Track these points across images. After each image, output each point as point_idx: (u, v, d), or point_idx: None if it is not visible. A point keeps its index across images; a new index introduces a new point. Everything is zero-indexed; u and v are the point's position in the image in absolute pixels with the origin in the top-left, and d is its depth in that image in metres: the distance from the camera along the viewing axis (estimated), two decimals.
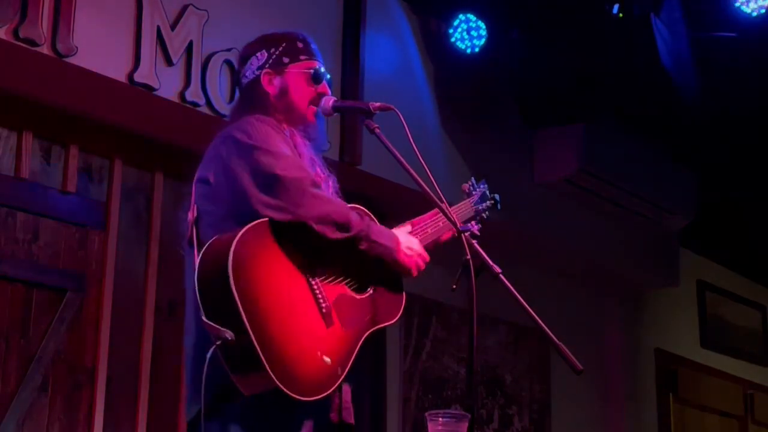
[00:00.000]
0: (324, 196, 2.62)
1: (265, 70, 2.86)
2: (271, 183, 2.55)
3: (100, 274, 4.45)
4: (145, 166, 4.68)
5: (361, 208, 2.79)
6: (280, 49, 2.87)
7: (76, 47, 3.99)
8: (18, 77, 4.12)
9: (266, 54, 2.87)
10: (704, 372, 8.23)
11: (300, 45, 2.89)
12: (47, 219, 4.32)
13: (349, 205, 2.71)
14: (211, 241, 2.52)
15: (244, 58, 2.92)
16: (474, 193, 3.27)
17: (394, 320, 2.79)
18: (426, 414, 2.57)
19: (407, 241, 2.79)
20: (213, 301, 2.45)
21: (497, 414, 6.46)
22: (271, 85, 2.85)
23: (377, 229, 2.70)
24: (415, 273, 2.79)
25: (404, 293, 2.83)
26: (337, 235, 2.59)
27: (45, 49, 3.92)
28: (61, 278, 4.32)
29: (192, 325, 2.63)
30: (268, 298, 2.47)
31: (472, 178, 3.31)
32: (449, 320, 6.17)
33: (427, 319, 6.05)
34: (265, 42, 2.91)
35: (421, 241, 2.87)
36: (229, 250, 2.43)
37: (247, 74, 2.89)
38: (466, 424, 2.51)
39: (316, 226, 2.56)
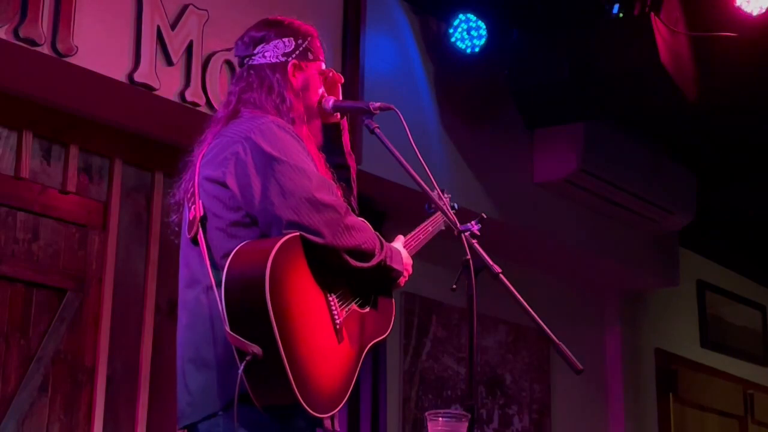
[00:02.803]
0: (356, 225, 2.58)
1: (292, 60, 2.78)
2: (303, 204, 2.49)
3: (100, 274, 4.45)
4: (145, 166, 4.68)
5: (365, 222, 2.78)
6: (306, 43, 2.82)
7: (76, 47, 3.99)
8: (18, 77, 4.12)
9: (293, 43, 2.80)
10: (704, 372, 8.23)
11: (318, 44, 2.86)
12: (47, 219, 4.32)
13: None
14: (238, 250, 2.47)
15: (265, 37, 2.81)
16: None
17: (385, 335, 2.79)
18: (426, 414, 2.57)
19: (407, 260, 2.81)
20: (243, 316, 2.41)
21: (497, 414, 6.46)
22: (295, 77, 2.78)
23: (390, 254, 2.70)
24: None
25: (394, 308, 2.84)
26: (362, 264, 2.58)
27: (45, 49, 3.91)
28: (61, 278, 4.32)
29: (195, 327, 2.60)
30: (296, 315, 2.45)
31: (437, 188, 3.27)
32: (449, 320, 6.17)
33: (427, 319, 6.05)
34: (290, 30, 2.83)
35: (413, 249, 2.95)
36: (265, 264, 2.38)
37: (266, 55, 2.78)
38: (466, 424, 2.51)
39: (345, 256, 2.54)
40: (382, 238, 2.69)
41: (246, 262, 2.44)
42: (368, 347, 2.70)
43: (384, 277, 2.70)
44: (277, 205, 2.50)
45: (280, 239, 2.45)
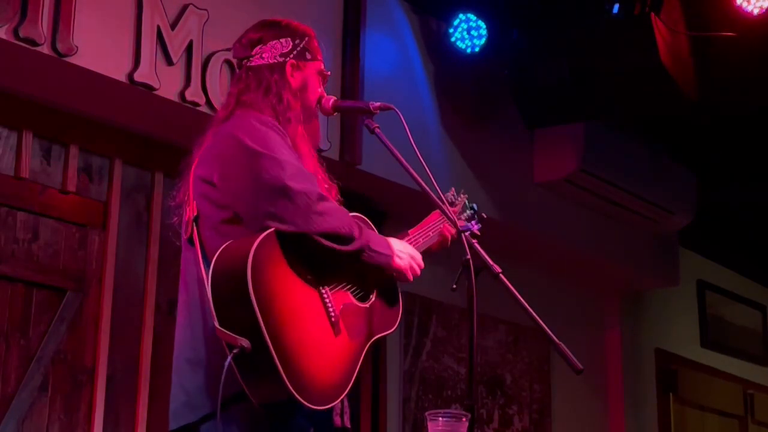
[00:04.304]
0: (329, 209, 2.56)
1: (290, 60, 2.80)
2: (277, 194, 2.50)
3: (100, 274, 4.45)
4: (145, 166, 4.68)
5: (361, 216, 2.78)
6: (304, 43, 2.83)
7: (76, 47, 3.99)
8: (18, 77, 4.12)
9: (291, 43, 2.81)
10: (704, 372, 8.23)
11: (316, 44, 2.87)
12: (47, 219, 4.32)
13: (351, 215, 2.68)
14: (224, 247, 2.49)
15: (263, 39, 2.83)
16: (456, 202, 3.24)
17: (392, 330, 2.79)
18: (426, 414, 2.57)
19: (401, 245, 2.78)
20: (229, 310, 2.42)
21: (497, 414, 6.46)
22: (293, 77, 2.79)
23: (375, 239, 2.67)
24: (410, 277, 2.77)
25: (401, 303, 2.84)
26: (340, 248, 2.56)
27: (45, 49, 3.92)
28: (61, 278, 4.32)
29: (192, 326, 2.60)
30: (283, 307, 2.46)
31: (452, 188, 3.26)
32: (449, 320, 6.17)
33: (427, 319, 6.05)
34: (288, 30, 2.84)
35: (416, 248, 2.88)
36: (247, 258, 2.40)
37: (264, 56, 2.80)
38: (466, 424, 2.51)
39: (320, 240, 2.53)
40: (361, 225, 2.66)
41: (229, 257, 2.46)
42: (372, 341, 2.69)
43: (371, 263, 2.65)
44: (255, 198, 2.52)
45: (263, 233, 2.47)
